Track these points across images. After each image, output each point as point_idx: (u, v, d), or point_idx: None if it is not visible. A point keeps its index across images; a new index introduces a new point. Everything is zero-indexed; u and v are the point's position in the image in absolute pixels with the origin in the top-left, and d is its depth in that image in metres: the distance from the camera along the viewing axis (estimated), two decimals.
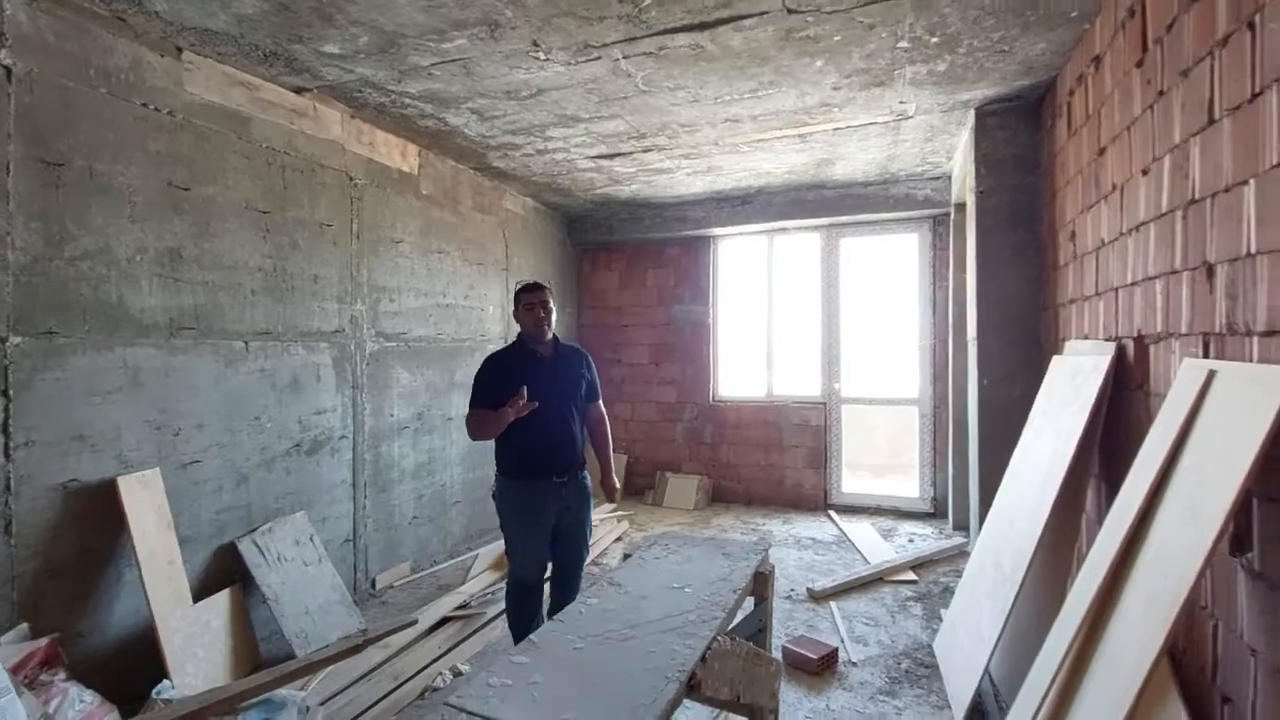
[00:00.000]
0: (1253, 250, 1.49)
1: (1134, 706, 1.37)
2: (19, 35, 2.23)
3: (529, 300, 2.76)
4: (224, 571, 2.92)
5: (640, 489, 6.07)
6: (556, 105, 3.43)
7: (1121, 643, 1.52)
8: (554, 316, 2.81)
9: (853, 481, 5.77)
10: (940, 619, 3.27)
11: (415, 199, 4.17)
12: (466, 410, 2.80)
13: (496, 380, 2.67)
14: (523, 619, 2.73)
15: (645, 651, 1.42)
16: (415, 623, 2.61)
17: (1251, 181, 1.50)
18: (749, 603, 2.24)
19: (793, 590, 3.73)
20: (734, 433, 5.93)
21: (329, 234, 3.53)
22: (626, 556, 2.14)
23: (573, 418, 2.77)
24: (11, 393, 2.22)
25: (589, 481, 2.83)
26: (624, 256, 6.32)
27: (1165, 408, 1.78)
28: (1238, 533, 1.48)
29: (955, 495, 4.82)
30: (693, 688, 1.35)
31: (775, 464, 5.77)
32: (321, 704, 2.41)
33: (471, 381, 2.81)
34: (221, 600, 2.82)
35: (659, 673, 1.32)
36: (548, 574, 2.80)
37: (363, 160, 3.74)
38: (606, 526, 4.93)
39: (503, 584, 3.65)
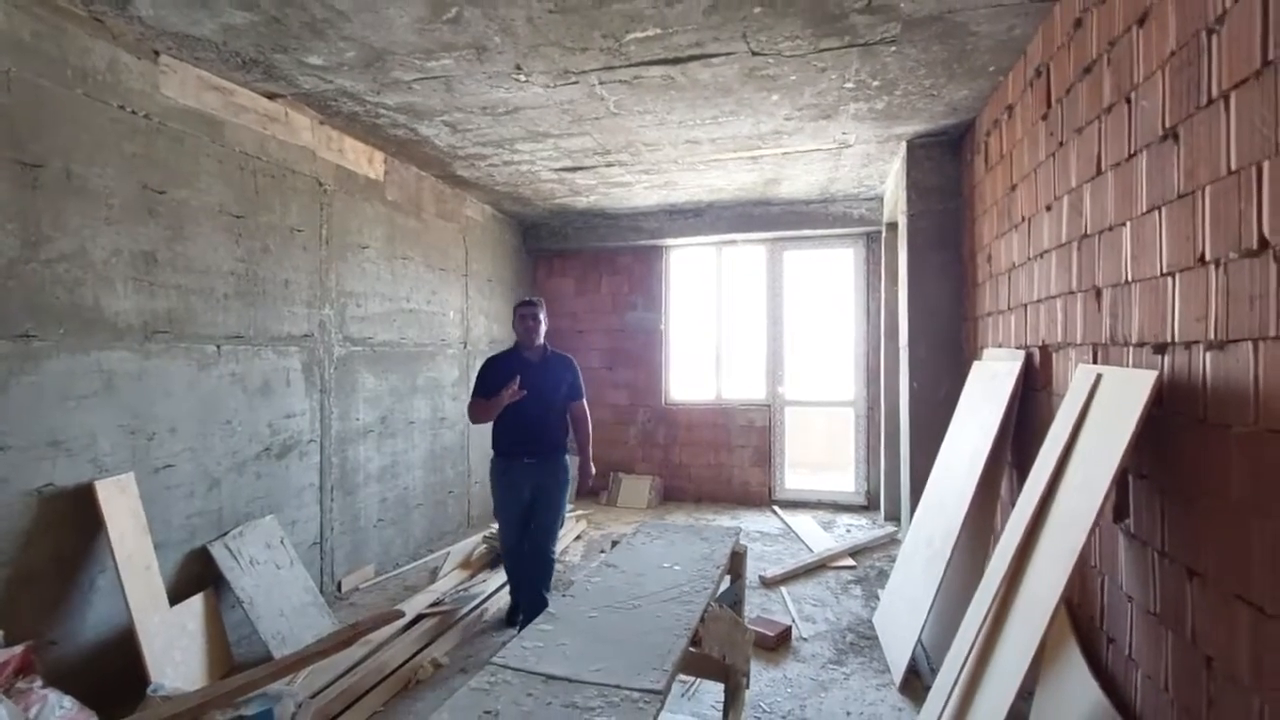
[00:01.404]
0: (1129, 279, 1.87)
1: (1040, 645, 1.70)
2: None
3: (522, 313, 3.35)
4: (196, 576, 2.92)
5: (594, 489, 6.24)
6: (530, 122, 3.61)
7: (1031, 596, 1.86)
8: (544, 326, 3.35)
9: (794, 478, 6.16)
10: (878, 598, 3.63)
11: (381, 205, 4.23)
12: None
13: (492, 376, 3.26)
14: (513, 574, 3.36)
15: (653, 616, 1.63)
16: (403, 614, 2.71)
17: (1128, 223, 1.87)
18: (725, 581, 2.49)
19: (748, 580, 4.02)
20: (685, 434, 6.22)
21: (299, 239, 3.56)
22: (615, 543, 2.34)
23: (549, 413, 3.28)
24: None
25: (567, 466, 3.34)
26: (579, 264, 6.51)
27: (1064, 405, 2.15)
28: (1119, 503, 1.85)
29: (887, 489, 5.27)
30: (695, 643, 1.58)
31: (724, 463, 6.09)
32: (312, 698, 2.48)
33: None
34: (196, 604, 2.83)
35: (668, 631, 1.54)
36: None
37: (332, 166, 3.79)
38: (565, 526, 5.08)
39: (473, 582, 3.77)
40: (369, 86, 3.17)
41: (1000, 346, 3.18)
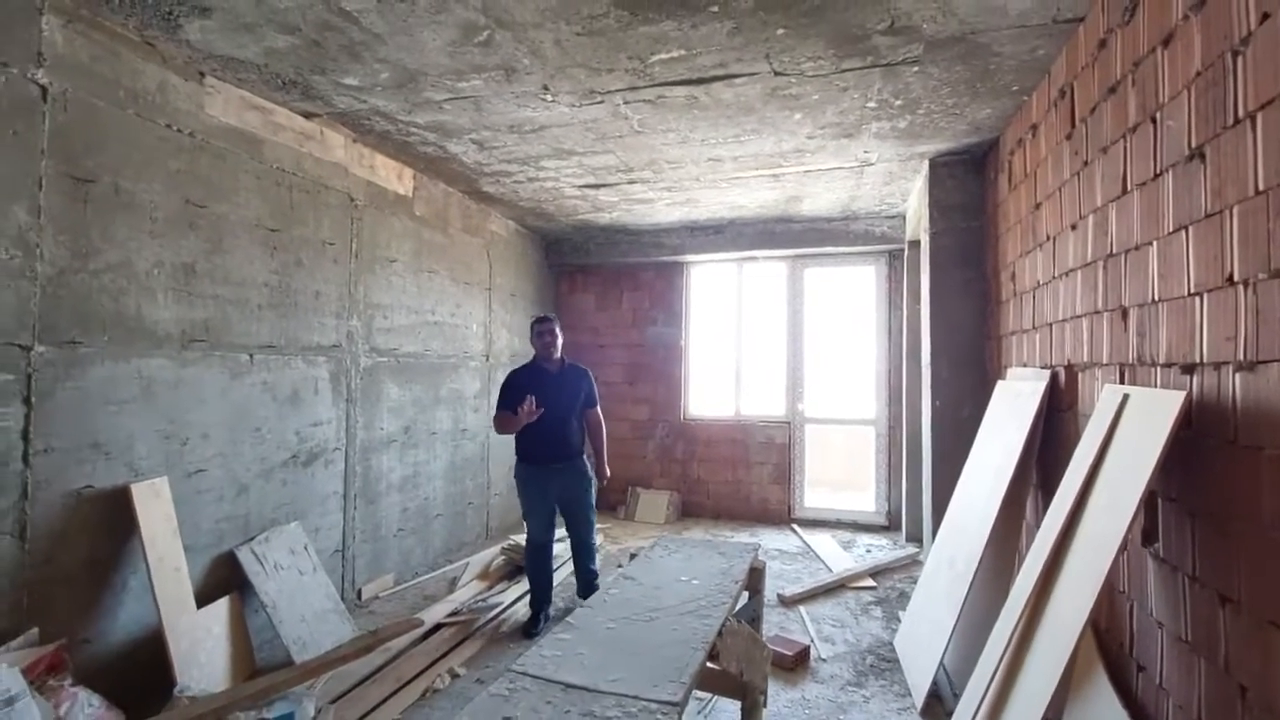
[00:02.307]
0: (1156, 298, 1.85)
1: (1066, 670, 1.67)
2: (55, 55, 2.35)
3: (540, 329, 3.58)
4: (222, 579, 2.98)
5: (613, 504, 6.26)
6: (555, 140, 3.69)
7: (1057, 620, 1.83)
8: (560, 341, 3.60)
9: (814, 497, 6.11)
10: (899, 620, 3.58)
11: (409, 220, 4.34)
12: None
13: (514, 390, 3.47)
14: (538, 572, 3.49)
15: (670, 629, 1.64)
16: (421, 623, 2.74)
17: (1155, 243, 1.86)
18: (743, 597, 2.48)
19: (765, 596, 3.99)
20: (704, 450, 6.21)
21: (330, 252, 3.66)
22: (632, 556, 2.36)
23: (570, 421, 3.56)
24: (34, 400, 2.29)
25: (588, 468, 3.62)
26: (600, 279, 6.57)
27: (1090, 425, 2.13)
28: (1148, 527, 1.82)
29: (909, 509, 5.20)
30: (712, 658, 1.58)
31: (742, 480, 6.06)
32: (332, 703, 2.51)
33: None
34: (221, 607, 2.88)
35: (685, 644, 1.55)
36: (557, 539, 3.63)
37: (363, 182, 3.90)
38: None
39: (489, 594, 3.79)
40: (401, 106, 3.27)
41: (1025, 366, 3.15)
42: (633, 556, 2.39)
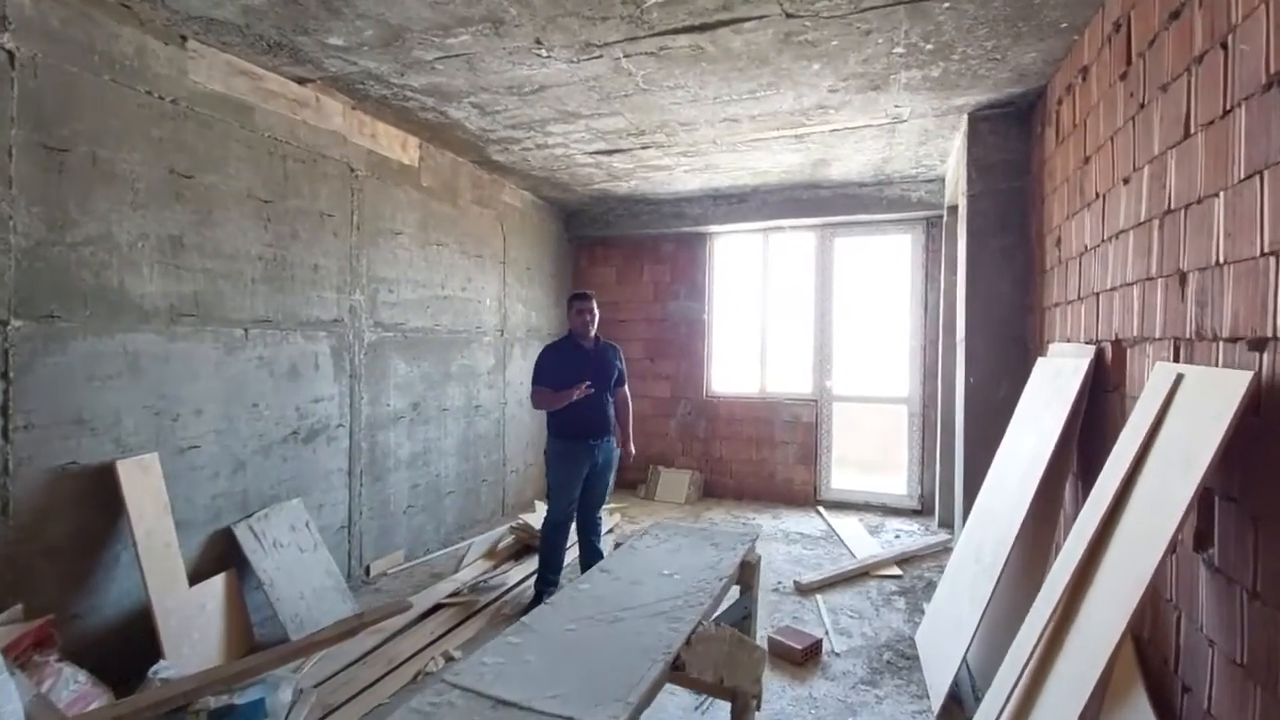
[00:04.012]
0: (1220, 260, 1.56)
1: (1100, 683, 1.44)
2: (22, 20, 2.25)
3: (580, 306, 3.52)
4: (219, 556, 2.96)
5: (632, 482, 6.13)
6: (558, 101, 3.47)
7: (1091, 625, 1.60)
8: (596, 318, 3.56)
9: (841, 478, 5.85)
10: (923, 612, 3.35)
11: (415, 191, 4.21)
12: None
13: (553, 366, 3.46)
14: (554, 551, 3.40)
15: (634, 634, 1.48)
16: (410, 606, 2.66)
17: (1221, 194, 1.56)
18: (736, 592, 2.30)
19: (780, 583, 3.81)
20: (727, 428, 6.00)
21: (329, 224, 3.56)
22: (617, 545, 2.20)
23: (606, 398, 3.53)
24: (12, 375, 2.26)
25: (615, 446, 3.59)
26: (621, 251, 6.37)
27: (1137, 409, 1.85)
28: (1202, 529, 1.55)
29: (942, 493, 4.90)
30: (678, 669, 1.42)
31: (767, 460, 5.84)
32: (316, 686, 2.46)
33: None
34: (217, 584, 2.86)
35: (645, 654, 1.39)
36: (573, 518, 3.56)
37: (364, 152, 3.77)
38: None
39: (494, 574, 3.71)
40: (393, 68, 3.11)
41: (1068, 341, 2.83)
42: (617, 545, 2.24)
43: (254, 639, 2.97)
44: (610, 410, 3.56)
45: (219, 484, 3.00)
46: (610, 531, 4.86)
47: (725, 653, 1.60)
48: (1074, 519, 2.49)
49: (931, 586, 3.71)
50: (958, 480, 3.92)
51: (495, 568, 3.87)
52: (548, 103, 3.49)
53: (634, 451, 3.76)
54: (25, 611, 2.26)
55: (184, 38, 2.79)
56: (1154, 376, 1.84)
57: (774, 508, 5.58)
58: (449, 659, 2.85)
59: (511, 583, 3.59)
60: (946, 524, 4.81)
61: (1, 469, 2.24)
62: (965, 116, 3.66)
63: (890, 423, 6.21)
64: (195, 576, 2.80)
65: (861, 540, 4.62)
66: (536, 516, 4.51)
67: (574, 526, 3.54)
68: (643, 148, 4.27)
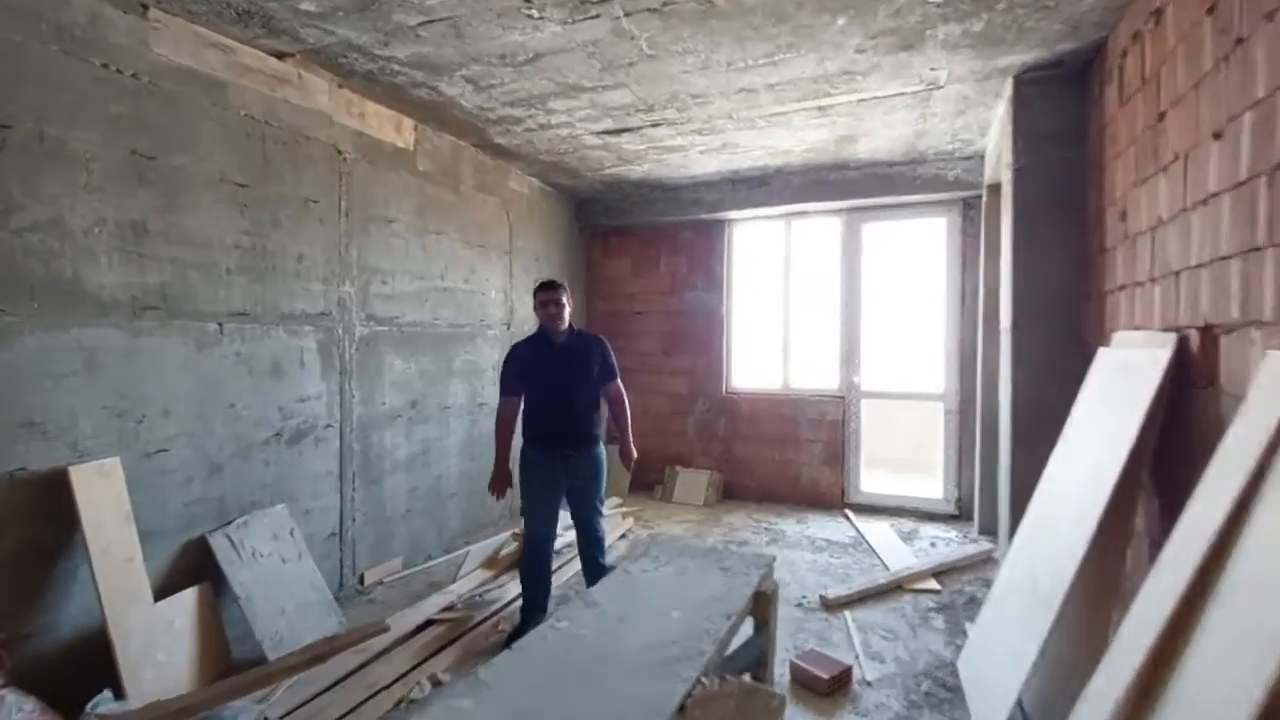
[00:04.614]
0: None
1: None
2: None
3: (543, 298, 3.10)
4: (194, 568, 2.74)
5: (649, 484, 5.84)
6: (557, 73, 3.18)
7: (1201, 686, 1.25)
8: (567, 310, 3.13)
9: (872, 480, 5.48)
10: (965, 633, 3.00)
11: (411, 176, 3.96)
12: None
13: (516, 368, 3.14)
14: (534, 581, 3.06)
15: (617, 693, 1.17)
16: (387, 628, 2.41)
17: None
18: (749, 624, 1.99)
19: (805, 597, 3.48)
20: (748, 426, 5.67)
21: (315, 211, 3.33)
22: (610, 568, 1.91)
23: (583, 399, 3.10)
24: None
25: (602, 454, 3.18)
26: (636, 241, 6.06)
27: (1247, 409, 1.49)
28: None
29: (982, 497, 4.51)
30: None
31: (790, 460, 5.49)
32: (285, 716, 2.22)
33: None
34: (187, 598, 2.65)
35: None
36: (559, 535, 3.26)
37: (352, 133, 3.53)
38: (611, 523, 4.71)
39: (492, 586, 3.45)
40: (374, 38, 2.85)
41: (1137, 329, 2.45)
42: (610, 568, 1.94)
43: (231, 659, 2.75)
44: (588, 413, 3.12)
45: (192, 490, 2.78)
46: (624, 536, 4.58)
47: (733, 709, 1.30)
48: (1148, 542, 2.13)
49: (974, 603, 3.35)
50: (1002, 485, 3.54)
51: (495, 578, 3.62)
52: (546, 74, 3.20)
53: (635, 454, 3.35)
54: None
55: (145, 6, 2.56)
56: (1266, 369, 1.48)
57: (799, 511, 5.23)
58: (436, 683, 2.59)
59: (509, 596, 3.32)
60: (988, 530, 4.42)
61: None
62: (1010, 80, 3.27)
63: (924, 421, 5.82)
64: (165, 591, 2.59)
65: (894, 548, 4.26)
66: None
67: (577, 541, 3.19)
68: (653, 125, 3.96)
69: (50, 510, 2.28)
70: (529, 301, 5.15)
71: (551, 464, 3.06)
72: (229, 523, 2.90)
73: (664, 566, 1.94)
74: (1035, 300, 3.25)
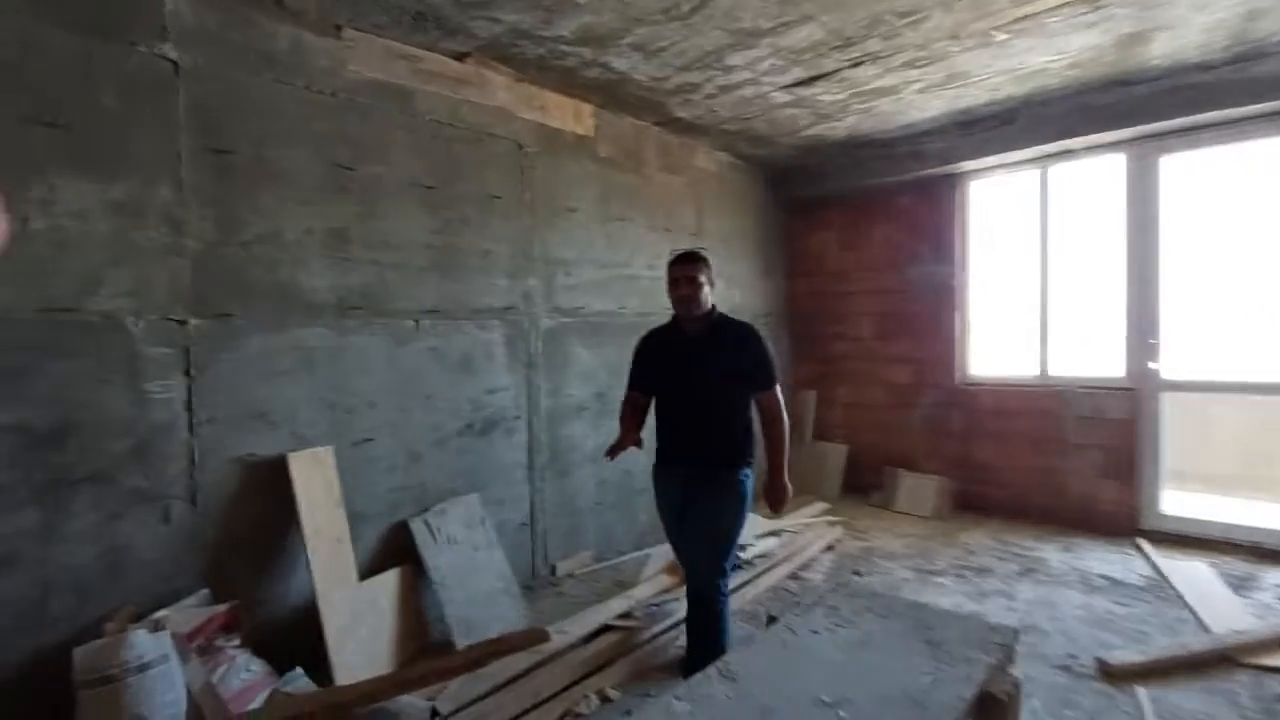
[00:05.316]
0: None
1: None
2: (182, 29, 2.33)
3: (674, 274, 2.48)
4: (396, 551, 2.92)
5: (864, 487, 5.13)
6: (727, 17, 2.78)
7: None
8: (707, 290, 2.46)
9: (1179, 500, 4.11)
10: None
11: (592, 163, 3.87)
12: None
13: (642, 361, 2.64)
14: (691, 622, 2.49)
15: None
16: (548, 638, 2.28)
17: None
18: None
19: (1074, 658, 2.62)
20: (992, 424, 4.65)
21: (498, 206, 3.38)
22: (771, 619, 1.48)
23: (718, 406, 2.44)
24: (193, 372, 2.37)
25: (741, 484, 2.41)
26: (843, 211, 5.35)
27: None
28: None
29: None
30: None
31: (1054, 468, 4.37)
32: (453, 714, 2.20)
33: None
34: (390, 579, 2.82)
35: None
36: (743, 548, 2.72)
37: (533, 126, 3.53)
38: (815, 531, 4.17)
39: (669, 597, 3.19)
40: (536, 17, 2.75)
41: None
42: (771, 619, 1.51)
43: (429, 639, 2.89)
44: (724, 424, 2.42)
45: (395, 477, 2.97)
46: (830, 549, 4.01)
47: None
48: None
49: None
50: None
51: (679, 584, 3.35)
52: (715, 22, 2.81)
53: (789, 489, 2.47)
54: (212, 596, 2.39)
55: (338, 27, 2.75)
56: None
57: (1066, 535, 4.12)
58: (604, 699, 2.41)
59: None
60: None
61: (189, 461, 2.37)
62: None
63: (1262, 422, 4.23)
64: (370, 572, 2.79)
65: (1216, 599, 3.08)
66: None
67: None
68: (853, 65, 3.32)
69: (275, 492, 2.55)
70: (720, 286, 4.73)
71: (667, 484, 2.52)
72: (428, 509, 3.05)
73: (843, 628, 1.40)
74: None
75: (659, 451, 2.57)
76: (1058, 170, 4.33)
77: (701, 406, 2.44)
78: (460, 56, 3.12)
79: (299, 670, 2.23)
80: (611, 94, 3.66)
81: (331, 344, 2.76)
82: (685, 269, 2.44)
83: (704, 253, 2.53)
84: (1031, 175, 4.44)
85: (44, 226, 2.07)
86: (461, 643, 2.77)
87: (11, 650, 2.02)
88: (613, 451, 2.46)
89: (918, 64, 3.34)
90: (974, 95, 3.81)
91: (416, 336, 3.05)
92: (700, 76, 3.42)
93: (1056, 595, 3.22)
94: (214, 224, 2.42)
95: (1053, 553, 3.81)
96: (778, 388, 2.48)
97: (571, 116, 3.73)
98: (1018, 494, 4.51)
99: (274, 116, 2.58)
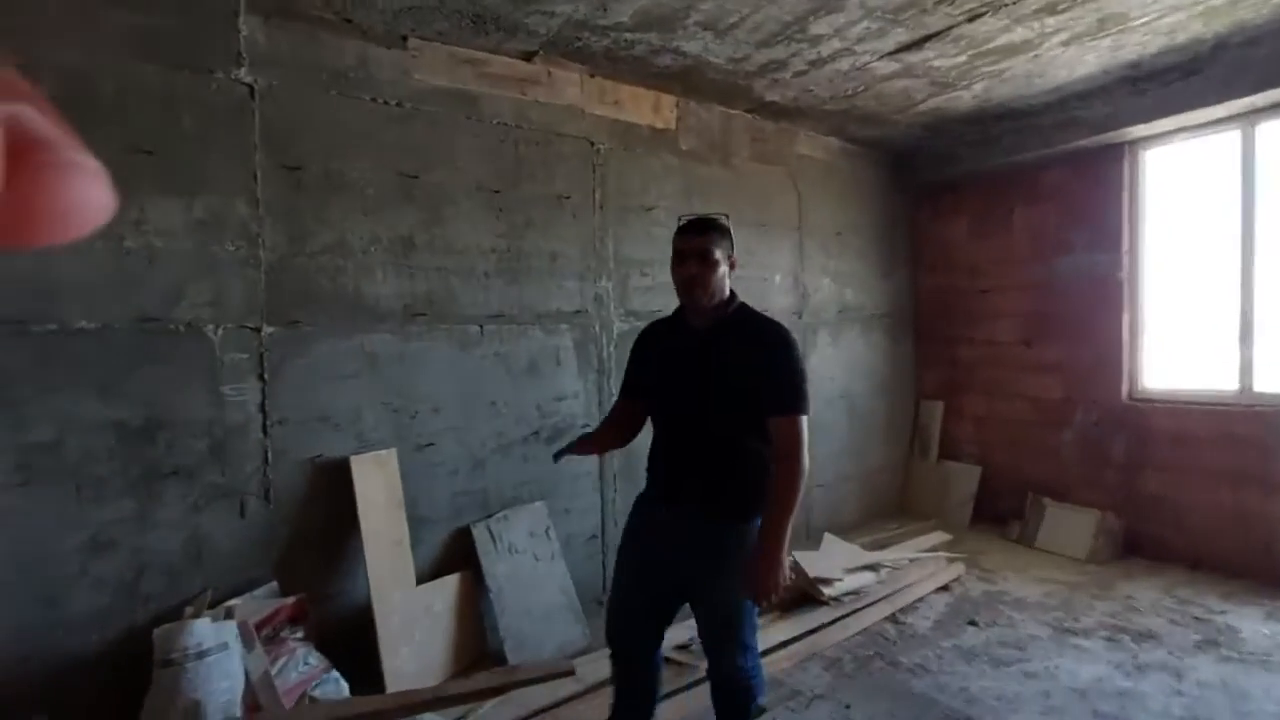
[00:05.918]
0: None
1: None
2: (256, 54, 2.47)
3: (678, 246, 1.79)
4: (459, 556, 2.93)
5: (1001, 516, 4.41)
6: None
7: None
8: (722, 272, 1.77)
9: None
10: None
11: (673, 157, 3.66)
12: None
13: (634, 359, 2.01)
14: (618, 689, 1.97)
15: None
16: (572, 671, 2.11)
17: None
18: None
19: None
20: (1170, 450, 3.76)
21: (568, 207, 3.29)
22: (760, 711, 1.17)
23: (720, 429, 1.76)
24: (267, 376, 2.51)
25: (734, 536, 1.74)
26: (974, 195, 4.64)
27: None
28: None
29: None
30: None
31: (1254, 511, 3.43)
32: None
33: None
34: (448, 585, 2.82)
35: None
36: (655, 647, 1.94)
37: (606, 122, 3.39)
38: (927, 567, 3.63)
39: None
40: (592, 6, 2.60)
41: None
42: (760, 710, 1.19)
43: (485, 648, 2.86)
44: (727, 453, 1.76)
45: (458, 482, 2.98)
46: (945, 589, 3.46)
47: None
48: None
49: None
50: None
51: None
52: None
53: (784, 567, 1.66)
54: (282, 589, 2.53)
55: (404, 37, 2.79)
56: None
57: (1268, 598, 3.21)
58: None
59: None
60: None
61: (263, 459, 2.52)
62: None
63: None
64: (430, 576, 2.81)
65: None
66: (828, 553, 3.50)
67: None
68: (970, 19, 2.79)
69: (340, 493, 2.64)
70: (827, 285, 4.43)
71: (648, 527, 1.87)
72: (491, 515, 3.03)
73: None
74: None
75: (646, 480, 1.96)
76: (1266, 128, 3.38)
77: (697, 428, 1.79)
78: (528, 57, 3.06)
79: (335, 674, 2.28)
80: (690, 82, 3.42)
81: (395, 350, 2.81)
82: (693, 241, 1.76)
83: (724, 220, 1.88)
84: (1226, 137, 3.51)
85: (136, 245, 2.28)
86: (515, 658, 2.71)
87: (110, 627, 2.25)
88: (559, 453, 1.88)
89: (1057, 9, 2.73)
90: (1141, 42, 3.07)
91: (481, 342, 3.04)
92: (784, 52, 3.07)
93: (1249, 680, 2.47)
94: (285, 236, 2.55)
95: (1248, 620, 2.96)
96: (802, 417, 1.71)
97: (650, 109, 3.54)
98: (1202, 538, 3.60)
99: (341, 130, 2.67)
